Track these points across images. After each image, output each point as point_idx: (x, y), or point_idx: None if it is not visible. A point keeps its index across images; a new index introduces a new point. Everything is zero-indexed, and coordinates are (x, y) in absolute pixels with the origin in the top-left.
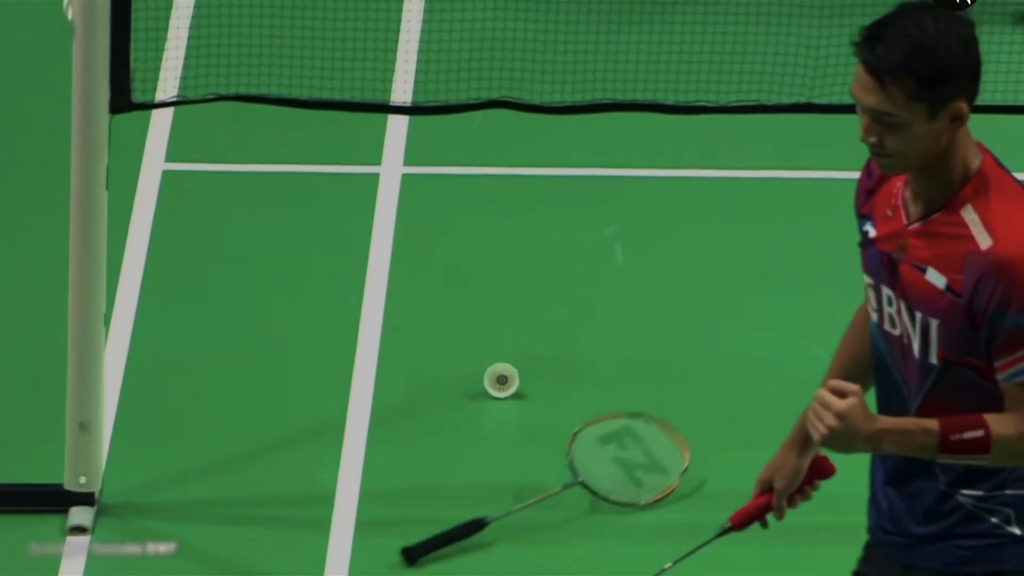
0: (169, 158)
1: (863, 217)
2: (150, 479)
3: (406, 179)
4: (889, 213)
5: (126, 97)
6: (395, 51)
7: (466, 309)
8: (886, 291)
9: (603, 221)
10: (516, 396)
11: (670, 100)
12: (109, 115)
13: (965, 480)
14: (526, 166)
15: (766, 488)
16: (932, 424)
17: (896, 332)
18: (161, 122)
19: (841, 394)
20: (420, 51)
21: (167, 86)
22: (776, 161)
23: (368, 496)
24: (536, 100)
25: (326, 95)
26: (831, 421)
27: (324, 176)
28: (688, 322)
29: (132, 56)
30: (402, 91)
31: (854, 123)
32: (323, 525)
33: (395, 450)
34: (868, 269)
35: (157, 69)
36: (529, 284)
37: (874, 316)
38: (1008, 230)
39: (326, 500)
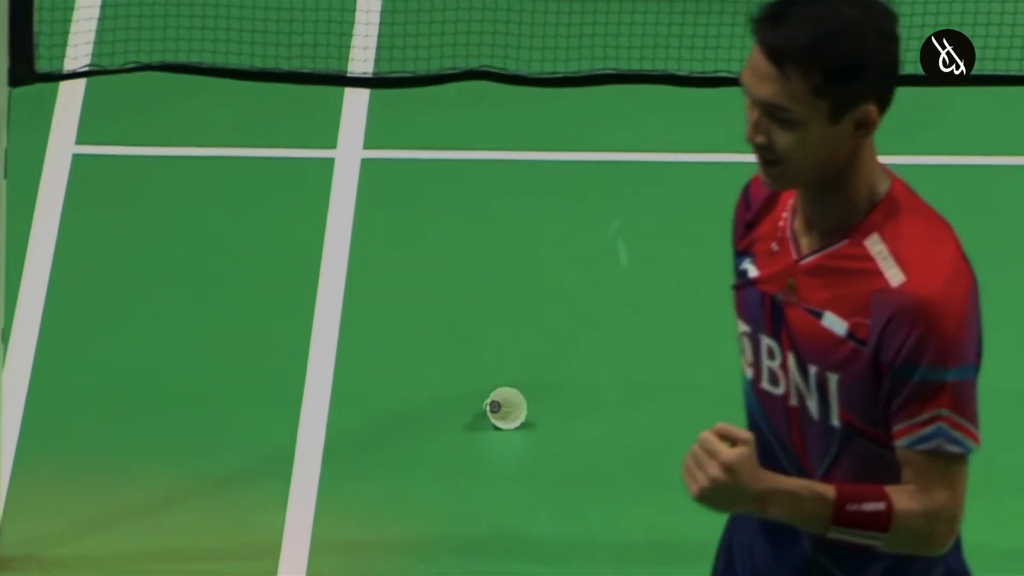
0: (80, 140)
1: (741, 254)
2: (58, 528)
3: (366, 165)
4: (774, 247)
5: (28, 67)
6: (353, 11)
7: (437, 320)
8: (767, 341)
9: (604, 215)
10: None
11: (683, 71)
12: (8, 88)
13: None
14: (511, 150)
15: None
16: (827, 490)
17: (778, 391)
18: (71, 97)
19: (731, 441)
20: (383, 11)
21: (78, 53)
22: None
23: (320, 546)
24: (522, 70)
25: (270, 64)
26: (715, 472)
27: (268, 161)
28: (703, 334)
29: (36, 17)
30: (361, 59)
31: (903, 97)
32: None
33: (352, 490)
34: (744, 315)
35: (66, 32)
36: (515, 291)
37: (749, 372)
38: (924, 265)
39: (270, 551)
